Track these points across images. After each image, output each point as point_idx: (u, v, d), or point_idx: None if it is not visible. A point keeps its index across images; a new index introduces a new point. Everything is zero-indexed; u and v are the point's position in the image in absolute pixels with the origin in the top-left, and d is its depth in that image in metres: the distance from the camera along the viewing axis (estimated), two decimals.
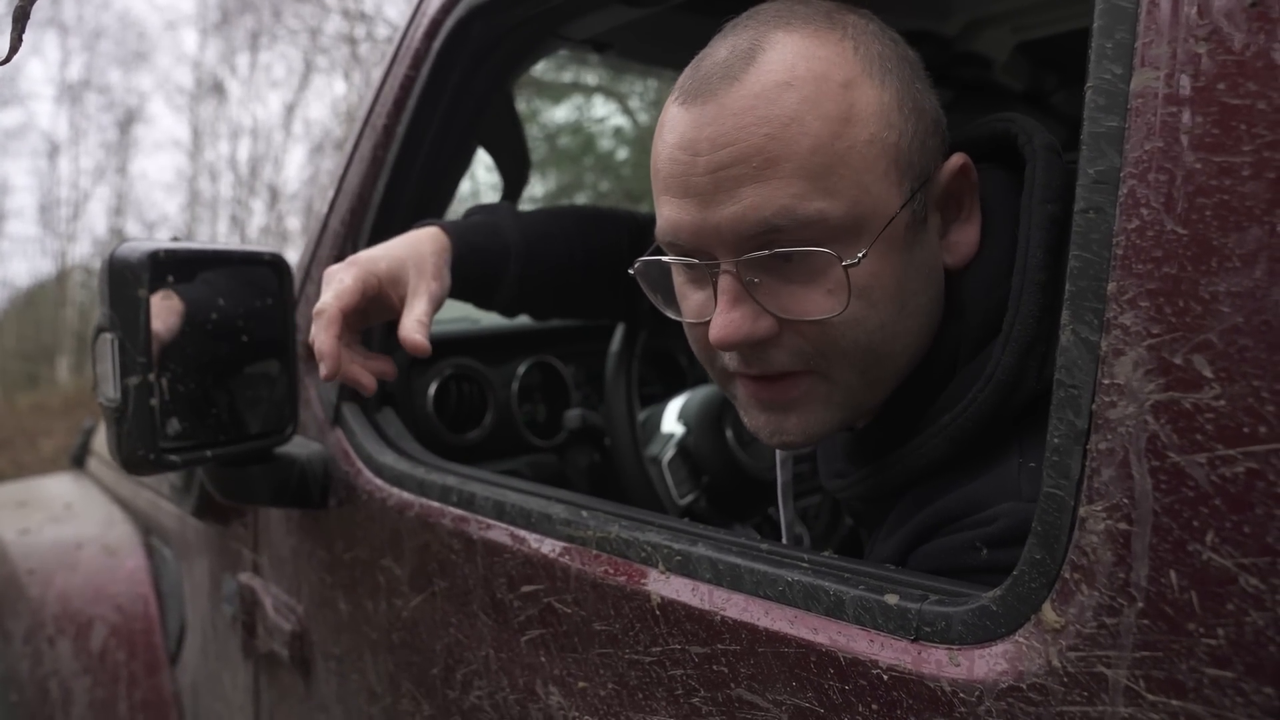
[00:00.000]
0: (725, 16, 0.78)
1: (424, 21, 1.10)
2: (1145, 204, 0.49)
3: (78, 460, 2.47)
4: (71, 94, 17.68)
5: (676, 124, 0.71)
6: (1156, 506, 0.47)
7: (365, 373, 0.98)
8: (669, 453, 1.28)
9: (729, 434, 1.31)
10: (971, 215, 0.75)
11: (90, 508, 2.08)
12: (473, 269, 1.05)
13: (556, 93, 8.97)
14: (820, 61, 0.68)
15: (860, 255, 0.67)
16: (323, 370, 0.94)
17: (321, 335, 0.93)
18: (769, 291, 0.70)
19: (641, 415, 1.38)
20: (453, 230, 1.04)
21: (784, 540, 1.00)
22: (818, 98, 0.67)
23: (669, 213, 0.72)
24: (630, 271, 0.82)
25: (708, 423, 1.30)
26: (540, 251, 1.09)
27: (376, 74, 1.18)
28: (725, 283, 0.70)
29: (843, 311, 0.68)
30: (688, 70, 0.73)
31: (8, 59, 0.49)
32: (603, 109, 9.48)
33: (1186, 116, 0.47)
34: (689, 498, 1.28)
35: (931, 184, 0.72)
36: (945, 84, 1.68)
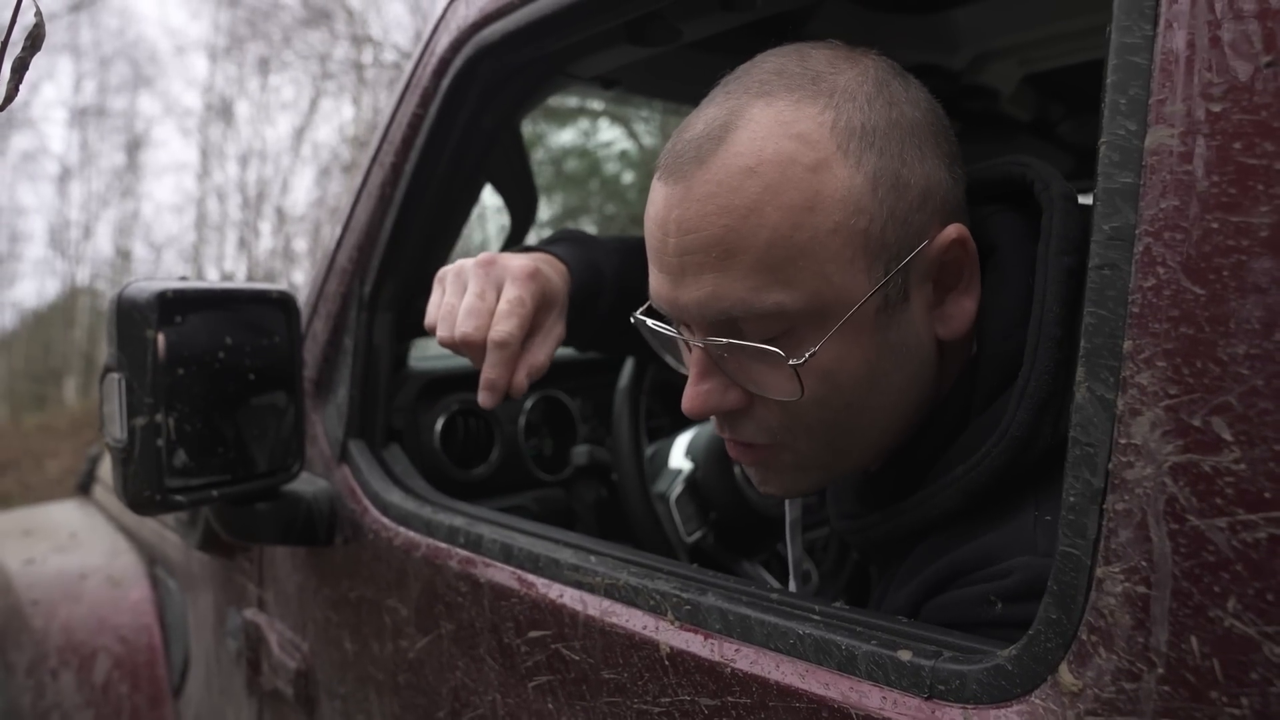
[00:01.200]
0: (732, 54, 0.78)
1: (432, 60, 1.11)
2: (1161, 263, 0.48)
3: (83, 487, 2.47)
4: (82, 118, 17.86)
5: (655, 197, 0.72)
6: (1176, 570, 0.46)
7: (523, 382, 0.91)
8: (676, 489, 1.27)
9: (737, 470, 1.30)
10: (970, 286, 0.73)
11: (95, 537, 2.07)
12: (573, 308, 0.99)
13: (562, 117, 9.02)
14: (790, 142, 0.66)
15: (809, 354, 0.67)
16: (488, 401, 0.88)
17: (500, 370, 0.87)
18: (736, 367, 0.72)
19: (649, 450, 1.37)
20: (574, 268, 0.99)
21: (790, 577, 0.99)
22: (780, 185, 0.65)
23: (651, 281, 0.74)
24: (633, 320, 0.82)
25: (716, 459, 1.29)
26: (625, 291, 1.03)
27: (384, 112, 1.19)
28: (695, 355, 0.73)
29: (802, 396, 0.69)
30: (672, 138, 0.73)
31: (4, 106, 0.49)
32: (609, 133, 9.53)
33: (1202, 176, 0.47)
34: (696, 535, 1.27)
35: (919, 258, 0.70)
36: (952, 116, 1.68)
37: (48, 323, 17.80)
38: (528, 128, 1.38)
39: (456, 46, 1.07)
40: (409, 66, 1.16)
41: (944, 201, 0.71)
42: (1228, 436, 0.45)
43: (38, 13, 0.54)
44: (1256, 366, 0.44)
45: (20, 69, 0.53)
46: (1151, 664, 0.47)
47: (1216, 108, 0.47)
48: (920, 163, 0.69)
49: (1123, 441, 0.49)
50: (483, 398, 0.89)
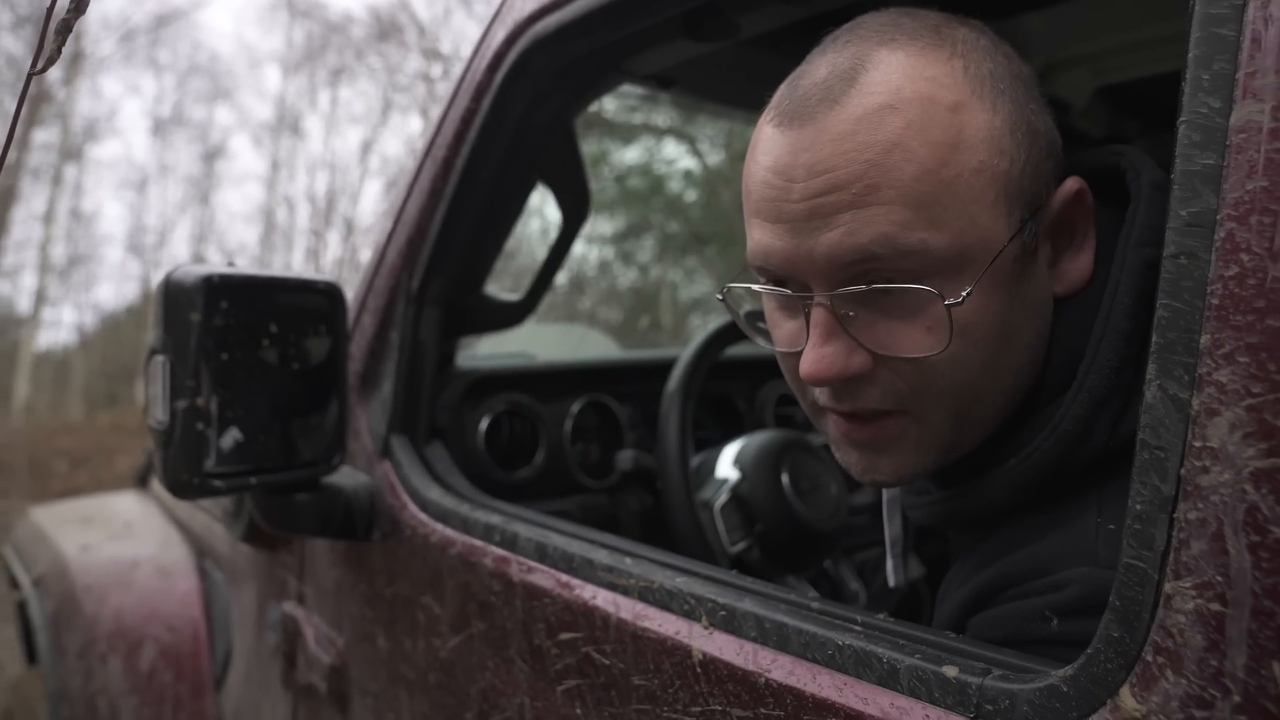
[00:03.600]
0: (790, 56, 0.75)
1: (487, 54, 1.10)
2: (1246, 249, 0.44)
3: (141, 479, 2.52)
4: (162, 129, 18.52)
5: (771, 146, 0.67)
6: (1256, 587, 0.42)
7: None
8: (721, 498, 1.24)
9: (785, 481, 1.26)
10: (1084, 242, 0.70)
11: (149, 527, 2.10)
12: None
13: (627, 133, 9.06)
14: (927, 82, 0.63)
15: (965, 293, 0.62)
16: None
17: None
18: (864, 325, 0.66)
19: (696, 459, 1.34)
20: None
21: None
22: (924, 122, 0.62)
23: (760, 237, 0.69)
24: (718, 297, 0.78)
25: (764, 469, 1.26)
26: None
27: (438, 106, 1.18)
28: (818, 315, 0.67)
29: (942, 351, 0.64)
30: (784, 89, 0.69)
31: (44, 69, 0.48)
32: (673, 150, 9.54)
33: None
34: (740, 545, 1.24)
35: (1044, 211, 0.67)
36: None
37: (124, 324, 18.41)
38: (591, 145, 1.36)
39: (512, 39, 1.06)
40: (465, 60, 1.15)
41: (1061, 157, 0.70)
42: None
43: None
44: None
45: (64, 30, 0.53)
46: (1226, 690, 0.42)
47: None
48: (1041, 115, 0.69)
49: (1197, 444, 0.45)
50: None
